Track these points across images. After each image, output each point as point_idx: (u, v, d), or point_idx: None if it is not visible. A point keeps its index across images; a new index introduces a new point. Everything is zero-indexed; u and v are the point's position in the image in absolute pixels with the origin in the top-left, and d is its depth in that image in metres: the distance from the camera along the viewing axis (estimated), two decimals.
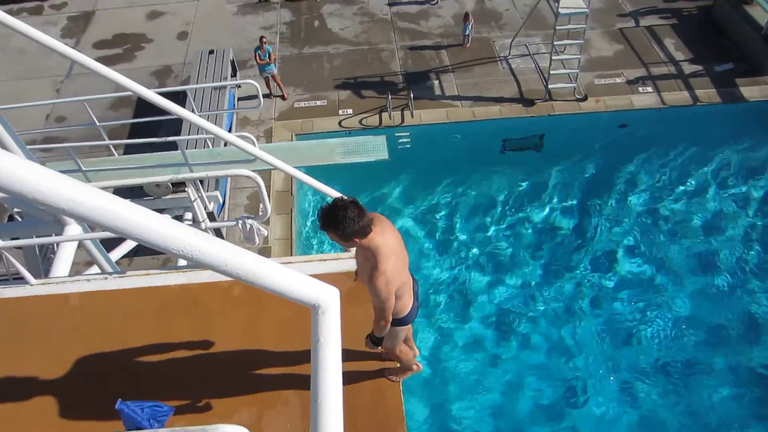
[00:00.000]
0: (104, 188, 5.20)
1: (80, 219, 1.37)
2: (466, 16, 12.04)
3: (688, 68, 11.58)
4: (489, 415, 7.96)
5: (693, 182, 10.47)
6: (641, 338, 8.57)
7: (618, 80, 11.44)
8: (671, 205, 10.16)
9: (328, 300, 1.81)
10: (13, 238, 5.11)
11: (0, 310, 4.45)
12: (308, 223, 9.91)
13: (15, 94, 11.16)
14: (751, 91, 11.04)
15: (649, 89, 11.19)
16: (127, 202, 1.46)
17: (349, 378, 4.12)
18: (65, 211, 1.34)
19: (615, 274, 9.32)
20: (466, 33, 12.13)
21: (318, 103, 11.29)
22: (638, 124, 10.95)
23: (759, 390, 7.99)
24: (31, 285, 4.47)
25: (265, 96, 11.32)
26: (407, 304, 3.57)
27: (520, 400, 8.07)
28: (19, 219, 5.72)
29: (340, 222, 3.01)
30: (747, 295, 8.99)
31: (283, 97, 11.40)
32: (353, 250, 5.05)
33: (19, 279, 4.50)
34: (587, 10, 10.29)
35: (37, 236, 5.21)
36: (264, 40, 10.84)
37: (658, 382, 8.10)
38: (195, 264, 1.57)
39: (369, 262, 3.22)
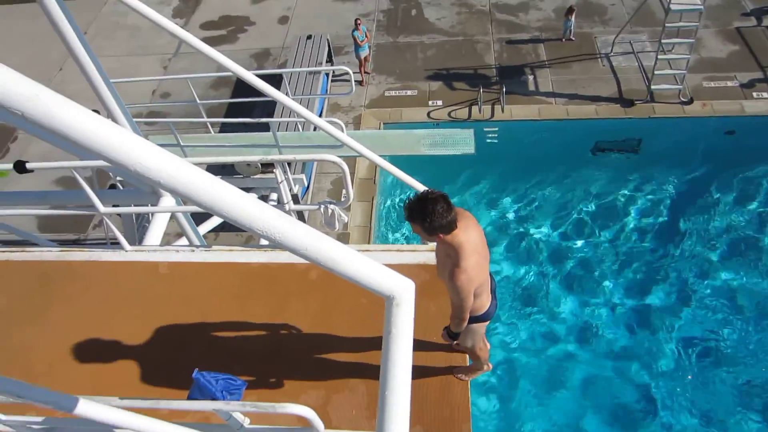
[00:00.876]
0: (199, 164, 5.43)
1: (175, 193, 1.42)
2: (570, 10, 11.54)
3: None
4: (554, 418, 7.72)
5: None
6: (722, 358, 7.99)
7: (729, 83, 10.60)
8: None
9: (404, 292, 1.78)
10: (113, 206, 5.46)
11: (97, 271, 4.78)
12: (389, 213, 9.95)
13: (126, 69, 11.96)
14: None
15: (765, 94, 10.28)
16: (218, 179, 1.49)
17: (417, 371, 4.09)
18: (161, 184, 1.39)
19: (703, 293, 8.70)
20: (568, 27, 11.65)
21: (408, 92, 11.27)
22: (748, 132, 10.10)
23: None
24: (126, 251, 4.76)
25: (357, 82, 11.51)
26: (485, 302, 3.51)
27: (587, 406, 7.76)
28: (120, 188, 6.12)
29: (428, 215, 2.98)
30: None
31: (367, 73, 11.50)
32: (433, 243, 5.02)
33: (115, 244, 4.80)
34: (702, 6, 9.55)
35: (135, 205, 5.56)
36: (358, 21, 10.98)
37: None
38: (276, 245, 1.59)
39: (450, 258, 3.17)
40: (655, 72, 10.23)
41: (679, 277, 8.93)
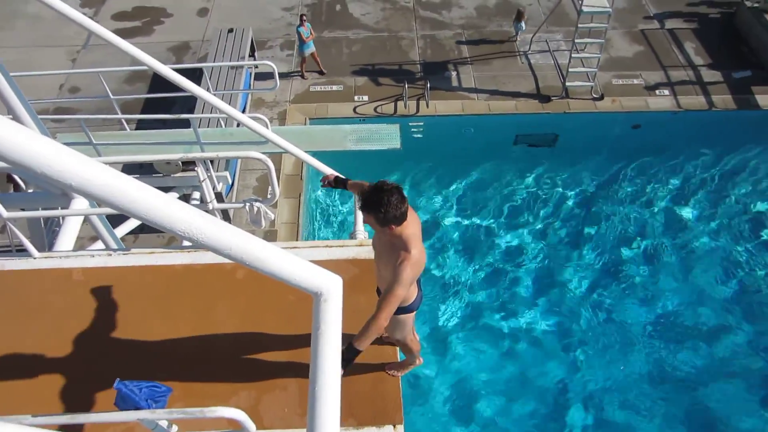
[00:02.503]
0: (114, 163, 5.18)
1: (87, 196, 1.35)
2: (520, 14, 11.80)
3: (706, 73, 11.42)
4: (485, 409, 7.97)
5: (701, 186, 10.43)
6: (639, 335, 8.56)
7: (636, 81, 11.29)
8: (679, 208, 10.10)
9: (331, 288, 1.78)
10: (19, 210, 5.11)
11: (1, 282, 4.46)
12: (316, 209, 9.90)
13: (29, 62, 11.17)
14: (766, 99, 10.88)
15: (666, 92, 11.05)
16: (134, 180, 1.43)
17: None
18: (72, 187, 1.32)
19: (617, 273, 9.27)
20: (519, 29, 11.93)
21: (334, 87, 11.23)
22: (652, 126, 10.83)
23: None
24: (34, 258, 4.47)
25: (298, 75, 11.35)
26: (413, 293, 3.55)
27: (519, 398, 8.07)
28: (26, 189, 5.73)
29: (383, 206, 2.98)
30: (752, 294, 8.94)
31: (322, 72, 11.41)
32: (361, 237, 5.04)
33: (22, 251, 4.49)
34: (610, 9, 10.13)
35: (43, 209, 5.22)
36: (304, 17, 10.80)
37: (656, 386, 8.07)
38: (199, 246, 1.55)
39: (396, 248, 3.18)
40: (570, 70, 10.74)
41: (594, 262, 9.46)
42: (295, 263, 1.73)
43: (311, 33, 10.88)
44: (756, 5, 12.13)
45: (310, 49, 11.03)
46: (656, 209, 10.14)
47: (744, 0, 12.31)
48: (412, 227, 3.18)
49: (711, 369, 8.24)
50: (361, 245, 4.81)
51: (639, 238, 9.74)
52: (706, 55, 11.85)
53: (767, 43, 11.51)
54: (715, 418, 7.82)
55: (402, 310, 3.54)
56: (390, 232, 3.11)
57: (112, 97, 6.49)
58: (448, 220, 10.02)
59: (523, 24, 11.78)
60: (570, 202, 10.28)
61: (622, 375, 8.17)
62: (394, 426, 3.98)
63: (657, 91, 11.07)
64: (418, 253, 3.13)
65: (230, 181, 7.57)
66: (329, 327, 1.75)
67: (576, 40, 10.51)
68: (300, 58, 11.26)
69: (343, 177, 3.81)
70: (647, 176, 10.60)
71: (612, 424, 7.82)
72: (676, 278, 9.25)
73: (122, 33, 12.14)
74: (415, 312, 3.73)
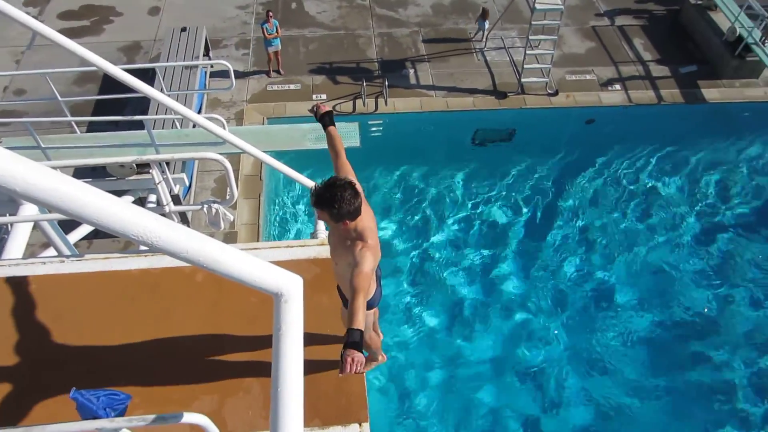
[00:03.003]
0: (65, 167, 5.02)
1: (34, 202, 1.31)
2: (484, 12, 11.90)
3: (654, 68, 11.81)
4: (448, 406, 8.06)
5: (653, 177, 10.80)
6: (599, 328, 8.79)
7: (588, 77, 11.59)
8: (632, 199, 10.44)
9: (291, 288, 1.78)
10: None
11: None
12: (277, 209, 9.81)
13: None
14: (711, 93, 11.36)
15: (618, 87, 11.38)
16: (83, 184, 1.40)
17: (312, 365, 4.09)
18: (18, 193, 1.28)
19: (574, 265, 9.51)
20: (482, 28, 12.02)
21: (291, 86, 11.14)
22: (605, 121, 11.15)
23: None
24: None
25: (265, 73, 11.24)
26: (372, 288, 3.57)
27: (485, 394, 8.19)
28: None
29: (336, 202, 2.99)
30: (704, 283, 9.32)
31: (279, 72, 11.27)
32: (321, 236, 5.03)
33: None
34: (562, 6, 10.37)
35: None
36: (270, 13, 10.62)
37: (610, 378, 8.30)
38: (156, 250, 1.52)
39: (353, 240, 3.18)
40: (525, 66, 10.94)
41: (552, 252, 9.67)
42: (255, 264, 1.72)
43: (277, 30, 10.72)
44: (699, 2, 12.61)
45: (273, 46, 10.88)
46: (611, 201, 10.44)
47: None
48: (366, 221, 3.20)
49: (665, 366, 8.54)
50: (322, 244, 4.80)
51: (595, 231, 10.01)
52: (654, 50, 12.25)
53: (711, 39, 11.98)
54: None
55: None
56: (344, 227, 3.12)
57: (60, 98, 6.27)
58: (409, 217, 10.08)
59: (487, 22, 11.93)
60: (528, 195, 10.47)
61: (592, 374, 8.38)
62: (360, 424, 3.99)
63: (609, 87, 11.39)
64: (375, 244, 3.15)
65: (187, 183, 7.42)
66: (290, 327, 1.74)
67: (530, 37, 10.71)
68: (266, 55, 11.12)
69: (332, 120, 3.72)
70: (602, 169, 10.90)
71: (579, 419, 8.03)
72: (631, 268, 9.53)
73: (69, 33, 11.77)
74: (375, 308, 3.76)
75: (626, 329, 8.80)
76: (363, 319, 2.94)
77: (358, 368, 2.80)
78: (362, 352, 2.84)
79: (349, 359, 2.80)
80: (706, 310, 9.07)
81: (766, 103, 11.27)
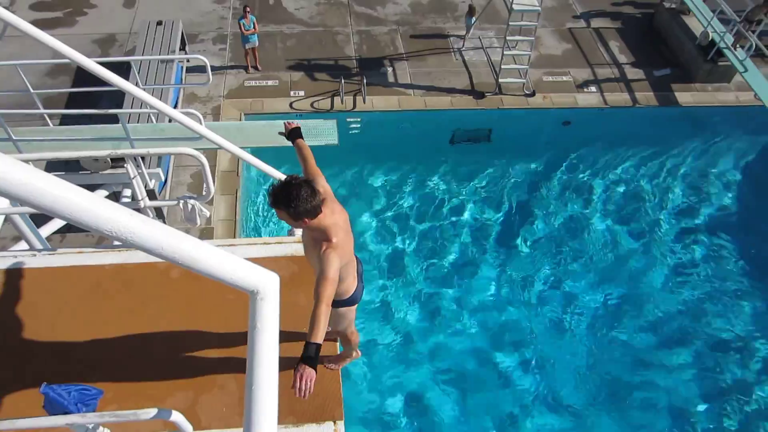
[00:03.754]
0: (37, 160, 4.93)
1: (4, 195, 1.30)
2: (471, 9, 11.94)
3: (629, 71, 12.01)
4: (423, 404, 8.13)
5: (627, 179, 11.01)
6: (571, 330, 8.94)
7: (565, 78, 11.74)
8: (606, 200, 10.64)
9: (267, 286, 1.78)
10: None
11: None
12: (254, 205, 9.76)
13: None
14: (684, 96, 11.59)
15: (593, 89, 11.55)
16: (54, 177, 1.38)
17: (287, 363, 4.09)
18: None
19: (549, 263, 9.65)
20: (469, 25, 12.06)
21: (269, 82, 11.07)
22: (581, 123, 11.30)
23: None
24: None
25: (243, 68, 11.11)
26: (351, 285, 3.59)
27: (461, 391, 8.27)
28: None
29: (293, 200, 2.99)
30: (675, 282, 9.55)
31: (257, 68, 11.17)
32: (299, 233, 5.02)
33: None
34: (539, 8, 10.49)
35: None
36: (248, 9, 10.50)
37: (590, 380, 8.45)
38: (130, 245, 1.51)
39: (318, 240, 3.20)
40: (502, 66, 11.04)
41: (529, 251, 9.81)
42: (230, 261, 1.72)
43: (254, 26, 10.63)
44: (673, 6, 12.86)
45: (250, 43, 10.77)
46: (588, 201, 10.61)
47: (662, 1, 13.02)
48: (332, 217, 3.22)
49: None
50: (299, 242, 4.80)
51: (570, 230, 10.17)
52: (629, 53, 12.46)
53: (684, 43, 12.22)
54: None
55: (343, 302, 3.59)
56: (306, 225, 3.14)
57: (32, 91, 6.15)
58: (387, 214, 10.11)
59: (474, 19, 11.98)
60: (504, 195, 10.59)
61: (573, 368, 8.52)
62: (335, 422, 4.01)
63: (585, 88, 11.55)
64: (340, 241, 3.17)
65: (163, 178, 7.33)
66: (266, 325, 1.75)
67: (507, 38, 10.81)
68: (243, 51, 11.02)
69: (300, 135, 3.83)
70: (578, 170, 11.06)
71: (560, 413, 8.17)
72: (606, 267, 9.71)
73: (42, 24, 11.53)
74: (356, 305, 3.78)
75: (602, 327, 8.95)
76: (323, 330, 2.96)
77: (310, 386, 2.80)
78: (315, 369, 2.84)
79: (298, 376, 2.81)
80: (677, 310, 9.28)
81: (736, 107, 11.52)
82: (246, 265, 1.75)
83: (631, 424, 8.03)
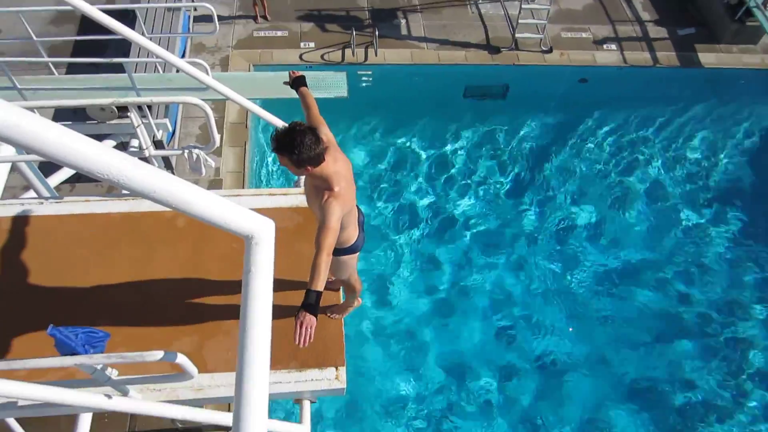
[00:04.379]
0: (41, 108, 4.93)
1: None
2: None
3: (652, 29, 11.63)
4: (429, 350, 8.29)
5: (642, 140, 10.79)
6: (581, 288, 8.97)
7: (584, 35, 11.41)
8: (624, 161, 10.48)
9: (262, 231, 1.80)
10: None
11: None
12: (262, 157, 9.75)
13: None
14: (708, 57, 11.22)
15: (613, 47, 11.22)
16: (48, 121, 1.39)
17: (291, 311, 4.17)
18: None
19: (562, 226, 9.61)
20: None
21: (279, 33, 10.87)
22: (599, 81, 11.04)
23: None
24: None
25: (252, 18, 10.89)
26: (353, 234, 3.63)
27: (462, 339, 8.41)
28: None
29: (296, 147, 2.99)
30: (690, 246, 9.52)
31: (266, 18, 10.94)
32: (302, 183, 5.04)
33: None
34: None
35: None
36: None
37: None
38: (123, 189, 1.53)
39: (320, 189, 3.22)
40: (519, 21, 10.72)
41: (542, 213, 9.75)
42: (225, 206, 1.73)
43: None
44: None
45: None
46: (602, 162, 10.45)
47: None
48: (335, 166, 3.22)
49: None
50: (304, 193, 4.81)
51: (585, 191, 10.07)
52: (653, 10, 12.03)
53: (712, 1, 11.74)
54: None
55: (344, 251, 3.64)
56: (308, 173, 3.15)
57: (36, 39, 6.09)
58: (394, 169, 10.07)
59: None
60: (519, 154, 10.46)
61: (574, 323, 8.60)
62: (336, 368, 4.12)
63: (604, 46, 11.23)
64: (342, 190, 3.18)
65: (171, 129, 7.33)
66: (260, 270, 1.78)
67: None
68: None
69: (304, 83, 3.82)
70: (593, 130, 10.86)
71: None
72: (622, 231, 9.64)
73: None
74: (357, 253, 3.82)
75: (610, 287, 8.97)
76: (323, 278, 3.01)
77: (310, 333, 2.86)
78: (316, 316, 2.89)
79: (298, 323, 2.86)
80: (686, 273, 9.26)
81: (762, 71, 11.15)
82: (240, 210, 1.76)
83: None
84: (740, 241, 9.67)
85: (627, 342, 8.52)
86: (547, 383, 8.13)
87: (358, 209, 3.68)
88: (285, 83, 3.94)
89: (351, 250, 3.68)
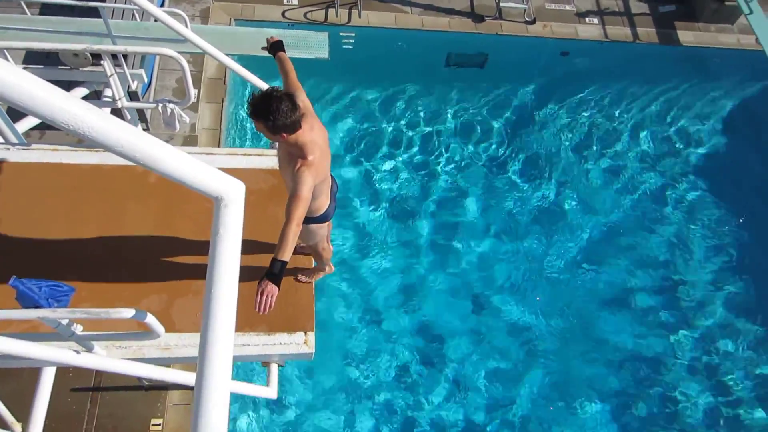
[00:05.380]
0: (10, 49, 4.72)
1: None
2: None
3: (634, 4, 11.60)
4: (398, 317, 8.39)
5: (618, 115, 10.89)
6: (551, 265, 9.13)
7: (567, 7, 11.33)
8: (601, 137, 10.59)
9: (232, 192, 1.78)
10: None
11: None
12: (239, 115, 9.57)
13: None
14: (686, 35, 11.29)
15: (595, 20, 11.19)
16: (11, 64, 1.33)
17: (263, 273, 4.14)
18: None
19: (535, 197, 9.72)
20: None
21: None
22: (580, 54, 11.05)
23: None
24: None
25: None
26: (324, 203, 3.62)
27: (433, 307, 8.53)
28: None
29: (272, 113, 2.96)
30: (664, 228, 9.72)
31: None
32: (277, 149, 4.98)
33: None
34: None
35: None
36: None
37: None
38: (88, 140, 1.48)
39: (294, 156, 3.20)
40: None
41: (517, 185, 9.83)
42: (194, 166, 1.70)
43: None
44: None
45: None
46: (578, 135, 10.53)
47: None
48: (311, 134, 3.20)
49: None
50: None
51: (560, 164, 10.16)
52: None
53: None
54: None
55: (314, 219, 3.62)
56: (284, 140, 3.13)
57: None
58: (372, 136, 9.99)
59: None
60: (496, 125, 10.47)
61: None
62: (305, 333, 4.15)
63: (587, 19, 11.18)
64: (315, 159, 3.16)
65: (146, 80, 7.09)
66: (228, 231, 1.76)
67: None
68: None
69: (282, 48, 3.77)
70: (572, 103, 10.90)
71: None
72: (596, 205, 9.78)
73: None
74: (327, 222, 3.82)
75: (592, 273, 9.15)
76: (290, 248, 3.01)
77: (270, 302, 2.88)
78: (278, 285, 2.91)
79: (259, 291, 2.88)
80: (655, 248, 9.49)
81: (736, 51, 11.28)
82: (210, 170, 1.73)
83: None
84: (710, 213, 9.92)
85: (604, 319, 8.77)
86: (519, 361, 8.33)
87: (333, 179, 3.66)
88: (263, 48, 3.86)
89: (320, 219, 3.67)
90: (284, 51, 3.78)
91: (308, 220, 3.47)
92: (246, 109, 3.11)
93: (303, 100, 3.35)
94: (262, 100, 2.98)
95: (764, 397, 8.45)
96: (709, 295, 9.19)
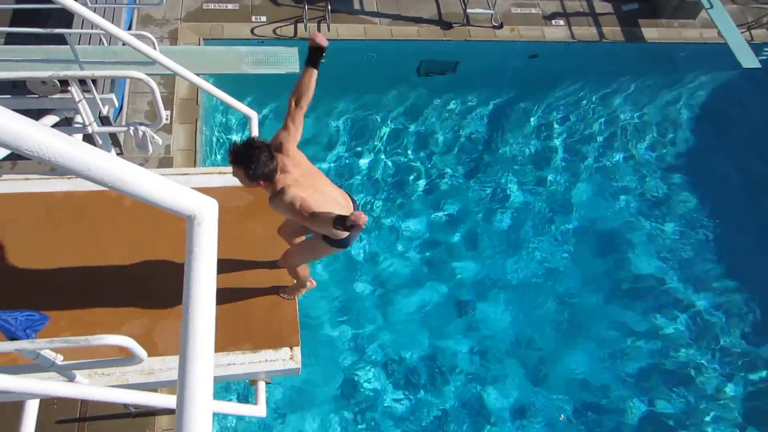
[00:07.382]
0: None
1: None
2: None
3: (598, 5, 11.85)
4: (384, 330, 8.39)
5: (593, 116, 11.12)
6: (524, 265, 9.22)
7: (533, 11, 11.52)
8: (573, 136, 10.77)
9: (204, 211, 1.77)
10: None
11: None
12: (213, 135, 9.55)
13: None
14: (650, 32, 11.55)
15: (561, 22, 11.39)
16: None
17: (244, 291, 4.16)
18: None
19: (508, 201, 9.83)
20: None
21: (229, 6, 10.55)
22: (548, 56, 11.22)
23: None
24: None
25: None
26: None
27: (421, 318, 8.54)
28: None
29: (253, 162, 3.17)
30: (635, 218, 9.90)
31: None
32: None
33: None
34: None
35: None
36: None
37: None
38: (55, 167, 1.47)
39: (277, 195, 3.37)
40: None
41: (489, 189, 9.93)
42: (165, 185, 1.69)
43: None
44: None
45: None
46: (552, 137, 10.70)
47: None
48: (285, 179, 3.36)
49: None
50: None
51: (532, 166, 10.30)
52: None
53: None
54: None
55: (334, 242, 3.67)
56: (260, 186, 3.38)
57: None
58: (349, 147, 10.03)
59: None
60: (469, 130, 10.58)
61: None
62: (291, 348, 4.13)
63: (553, 21, 11.38)
64: (295, 184, 3.35)
65: (117, 105, 7.04)
66: (203, 250, 1.76)
67: None
68: None
69: (321, 58, 3.82)
70: (543, 105, 11.07)
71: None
72: (569, 205, 9.91)
73: None
74: (337, 250, 3.86)
75: (563, 272, 9.23)
76: (325, 216, 3.14)
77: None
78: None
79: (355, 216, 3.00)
80: (626, 241, 9.64)
81: (700, 45, 11.56)
82: (181, 189, 1.73)
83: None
84: (685, 206, 10.13)
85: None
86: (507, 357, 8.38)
87: (352, 199, 3.79)
88: (310, 43, 3.78)
89: (338, 243, 3.69)
90: (316, 64, 3.78)
91: (328, 239, 3.64)
92: (227, 156, 3.26)
93: (295, 136, 3.62)
94: (245, 148, 3.18)
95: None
96: (694, 294, 9.34)
